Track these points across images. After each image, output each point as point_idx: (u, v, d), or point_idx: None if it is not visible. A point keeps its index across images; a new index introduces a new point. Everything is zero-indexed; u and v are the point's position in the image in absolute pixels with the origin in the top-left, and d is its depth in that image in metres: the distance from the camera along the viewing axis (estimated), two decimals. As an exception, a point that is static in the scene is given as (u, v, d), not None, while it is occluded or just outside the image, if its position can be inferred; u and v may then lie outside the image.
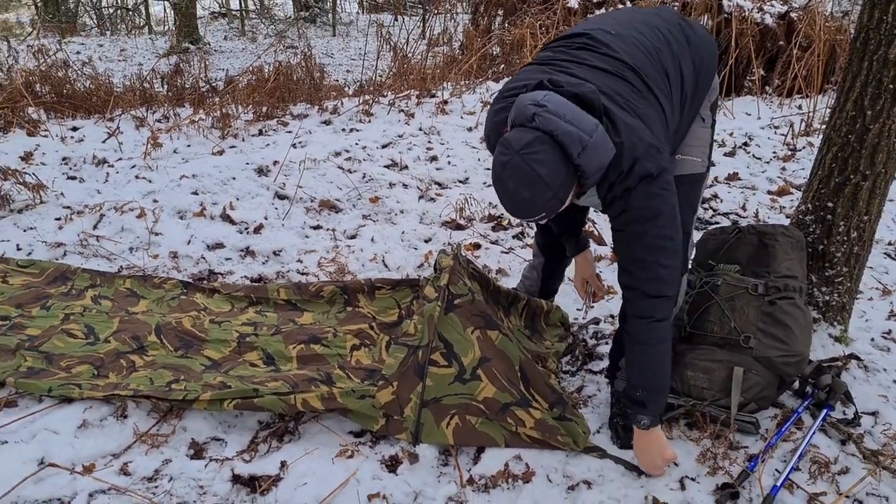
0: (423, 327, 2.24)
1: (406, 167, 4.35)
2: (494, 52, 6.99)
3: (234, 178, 4.02)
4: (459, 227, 3.73)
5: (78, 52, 9.41)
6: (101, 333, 2.56)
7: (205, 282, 3.07)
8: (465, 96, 5.77)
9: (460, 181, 4.27)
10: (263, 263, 3.32)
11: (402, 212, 3.85)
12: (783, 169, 4.60)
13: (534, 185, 1.69)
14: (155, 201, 3.72)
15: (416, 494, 1.99)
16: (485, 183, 4.21)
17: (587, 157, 1.70)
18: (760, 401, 2.24)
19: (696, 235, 2.74)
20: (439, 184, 4.22)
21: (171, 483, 1.99)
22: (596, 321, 2.87)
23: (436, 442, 2.14)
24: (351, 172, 4.19)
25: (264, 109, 5.24)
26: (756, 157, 4.79)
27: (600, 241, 3.63)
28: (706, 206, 4.10)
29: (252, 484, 1.99)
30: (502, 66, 6.65)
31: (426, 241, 3.58)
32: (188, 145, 4.55)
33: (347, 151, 4.47)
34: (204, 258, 3.30)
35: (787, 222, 2.87)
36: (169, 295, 2.87)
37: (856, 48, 2.36)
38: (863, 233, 2.50)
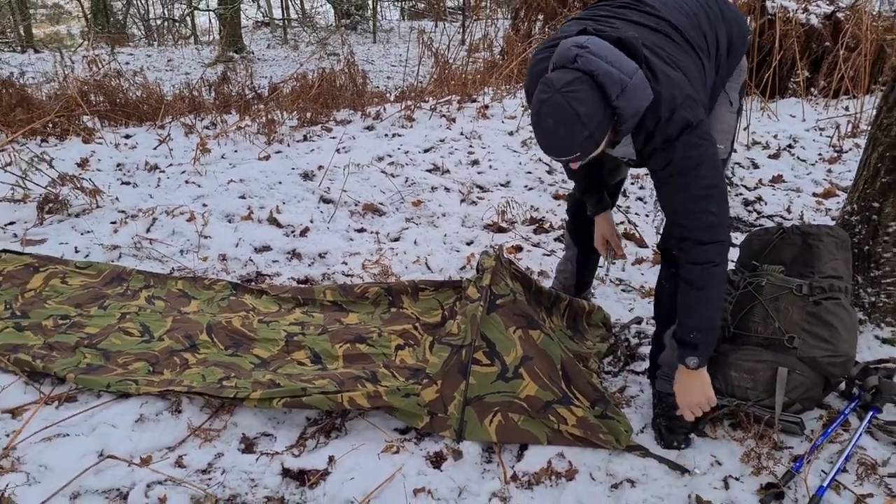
0: (466, 327, 2.28)
1: (448, 171, 4.40)
2: (535, 57, 6.99)
3: (280, 183, 4.11)
4: (501, 230, 3.76)
5: (127, 63, 9.70)
6: (155, 332, 2.66)
7: (253, 283, 3.15)
8: (506, 101, 5.79)
9: (501, 185, 4.29)
10: (309, 265, 3.39)
11: (444, 215, 3.90)
12: (829, 171, 4.52)
13: (571, 123, 1.73)
14: (204, 205, 3.83)
15: (461, 490, 2.03)
16: (526, 186, 4.24)
17: (625, 99, 1.73)
18: (805, 401, 2.23)
19: (740, 237, 2.73)
20: (481, 187, 4.25)
21: (223, 475, 2.05)
22: (638, 320, 2.87)
23: (479, 439, 2.17)
24: (394, 177, 4.26)
25: (308, 115, 5.33)
26: (801, 159, 4.71)
27: (641, 244, 3.63)
28: (750, 208, 4.06)
29: (301, 477, 2.05)
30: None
31: (468, 244, 3.62)
32: (235, 151, 4.67)
33: (390, 156, 4.54)
34: (252, 260, 3.39)
35: (832, 224, 2.84)
36: (219, 296, 2.96)
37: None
38: (911, 233, 2.47)
